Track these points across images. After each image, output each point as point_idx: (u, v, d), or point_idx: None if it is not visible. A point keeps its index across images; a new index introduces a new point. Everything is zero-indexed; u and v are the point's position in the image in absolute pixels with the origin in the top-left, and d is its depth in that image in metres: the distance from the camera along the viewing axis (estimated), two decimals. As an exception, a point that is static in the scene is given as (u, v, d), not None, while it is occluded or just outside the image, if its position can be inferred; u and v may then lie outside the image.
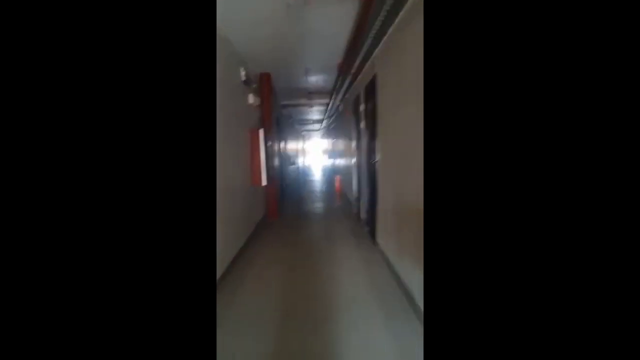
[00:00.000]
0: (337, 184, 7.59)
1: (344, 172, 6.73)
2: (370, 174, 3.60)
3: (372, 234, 3.44)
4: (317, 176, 11.96)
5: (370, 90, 3.34)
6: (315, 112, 8.83)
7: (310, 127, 13.13)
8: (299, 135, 12.85)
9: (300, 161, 13.26)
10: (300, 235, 3.82)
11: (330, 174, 10.11)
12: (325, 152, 13.91)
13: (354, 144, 4.74)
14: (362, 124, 3.83)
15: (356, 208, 4.78)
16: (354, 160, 4.79)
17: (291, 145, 9.58)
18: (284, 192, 7.01)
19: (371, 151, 3.57)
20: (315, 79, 4.71)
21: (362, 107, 3.82)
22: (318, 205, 6.01)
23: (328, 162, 11.97)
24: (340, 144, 7.22)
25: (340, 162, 7.48)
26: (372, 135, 3.40)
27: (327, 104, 6.92)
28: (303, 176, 11.57)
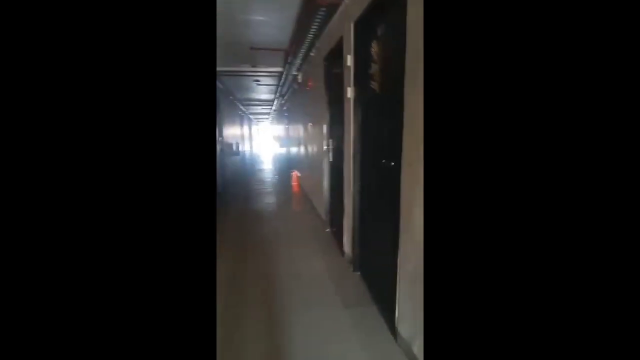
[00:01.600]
0: (294, 181, 5.86)
1: (306, 167, 5.02)
2: (376, 187, 1.96)
3: (380, 301, 1.84)
4: (267, 165, 10.03)
5: (378, 21, 1.65)
6: (263, 90, 6.90)
7: (259, 109, 11.17)
8: (244, 118, 10.87)
9: (247, 149, 11.33)
10: (239, 306, 2.06)
11: (285, 166, 8.28)
12: (277, 139, 12.01)
13: (324, 128, 3.05)
14: (350, 92, 2.13)
15: (330, 226, 3.14)
16: (325, 154, 3.11)
17: (234, 131, 7.60)
18: (222, 192, 5.11)
19: (371, 142, 1.92)
20: (262, 18, 2.84)
21: (349, 60, 2.11)
22: (270, 210, 4.30)
23: (281, 150, 10.14)
24: (299, 129, 5.48)
25: (299, 153, 5.75)
26: (382, 112, 1.75)
27: (280, 74, 5.06)
28: (250, 167, 9.61)
